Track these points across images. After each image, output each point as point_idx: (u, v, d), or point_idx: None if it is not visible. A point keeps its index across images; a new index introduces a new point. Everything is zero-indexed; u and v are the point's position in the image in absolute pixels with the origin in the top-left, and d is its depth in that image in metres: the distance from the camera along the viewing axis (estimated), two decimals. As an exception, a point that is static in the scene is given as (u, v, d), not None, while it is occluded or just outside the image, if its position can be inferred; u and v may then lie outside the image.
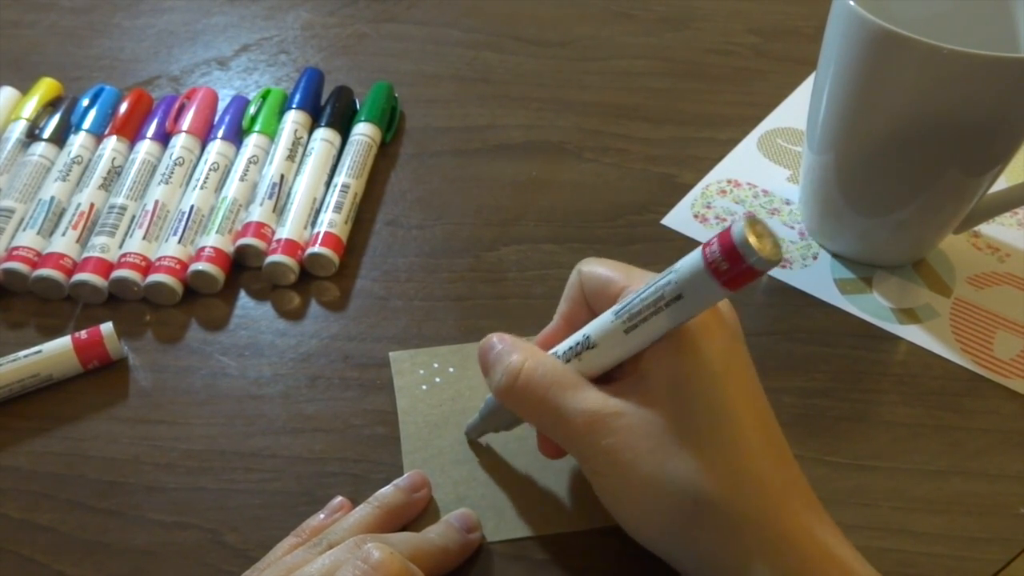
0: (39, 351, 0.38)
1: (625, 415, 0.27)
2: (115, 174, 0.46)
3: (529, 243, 0.45)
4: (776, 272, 0.43)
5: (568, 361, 0.30)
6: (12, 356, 0.37)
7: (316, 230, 0.43)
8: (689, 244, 0.45)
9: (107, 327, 0.39)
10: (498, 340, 0.31)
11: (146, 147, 0.47)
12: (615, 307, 0.28)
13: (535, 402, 0.29)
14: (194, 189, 0.45)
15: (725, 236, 0.24)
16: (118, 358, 0.39)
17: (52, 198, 0.44)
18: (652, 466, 0.27)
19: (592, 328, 0.29)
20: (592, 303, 0.31)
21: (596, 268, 0.31)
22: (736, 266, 0.24)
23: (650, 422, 0.27)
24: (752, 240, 0.23)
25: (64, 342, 0.38)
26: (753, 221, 0.24)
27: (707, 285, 0.25)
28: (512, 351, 0.30)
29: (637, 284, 0.28)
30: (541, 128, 0.52)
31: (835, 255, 0.44)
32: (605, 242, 0.45)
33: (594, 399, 0.28)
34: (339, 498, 0.33)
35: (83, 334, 0.38)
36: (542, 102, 0.54)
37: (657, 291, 0.27)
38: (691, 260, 0.26)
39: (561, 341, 0.30)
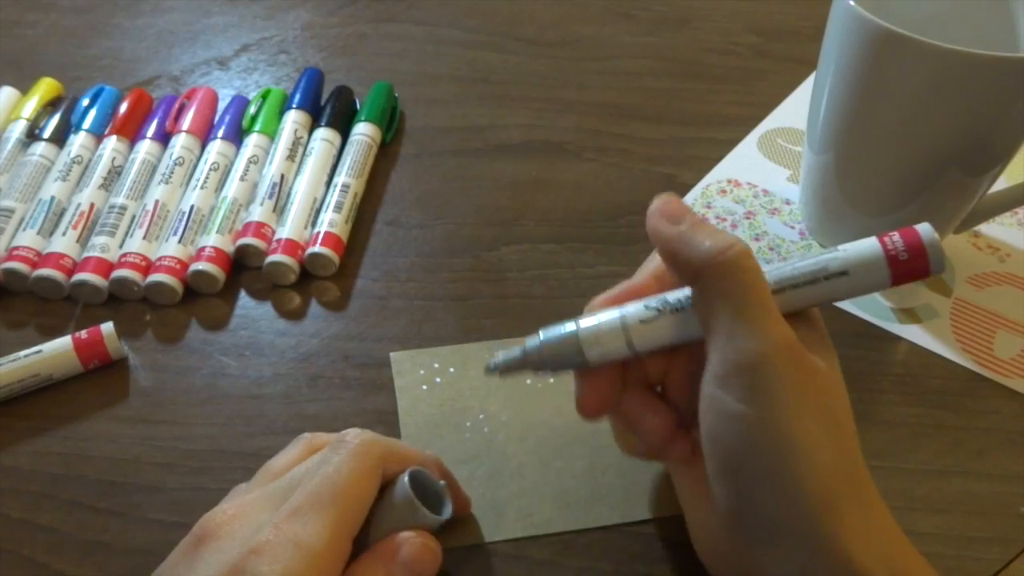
0: (39, 351, 0.38)
1: (822, 371, 0.26)
2: (115, 174, 0.46)
3: (529, 243, 0.45)
4: (776, 272, 0.43)
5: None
6: (12, 356, 0.37)
7: (316, 230, 0.43)
8: (689, 244, 0.45)
9: (107, 327, 0.39)
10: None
11: (146, 147, 0.47)
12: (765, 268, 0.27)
13: (741, 286, 0.25)
14: (194, 189, 0.45)
15: (911, 233, 0.26)
16: (118, 358, 0.39)
17: (52, 198, 0.44)
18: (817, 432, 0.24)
19: None
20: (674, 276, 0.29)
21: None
22: (916, 261, 0.26)
23: (837, 392, 0.26)
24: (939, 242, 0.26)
25: (64, 342, 0.38)
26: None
27: (877, 271, 0.26)
28: (731, 234, 0.26)
29: None
30: (541, 128, 0.52)
31: (835, 255, 0.44)
32: (605, 242, 0.45)
33: (789, 330, 0.25)
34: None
35: (83, 334, 0.38)
36: (542, 102, 0.54)
37: (819, 264, 0.26)
38: (865, 244, 0.26)
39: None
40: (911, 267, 0.26)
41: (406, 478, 0.29)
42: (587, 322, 0.29)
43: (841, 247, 0.27)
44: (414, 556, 0.27)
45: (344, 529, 0.26)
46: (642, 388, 0.30)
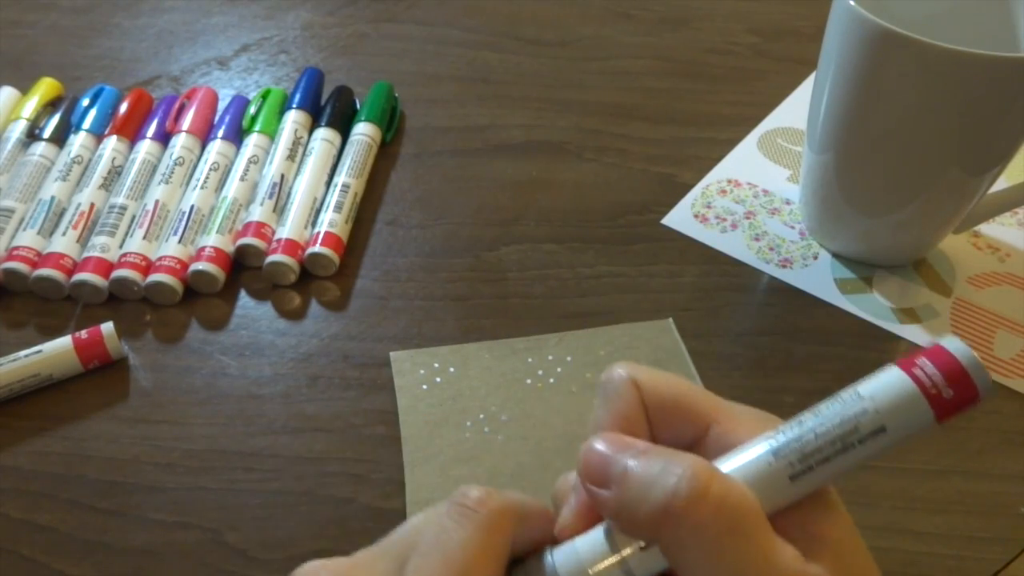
0: (39, 351, 0.38)
1: None
2: (115, 174, 0.46)
3: (529, 243, 0.45)
4: (776, 272, 0.43)
5: None
6: (12, 356, 0.37)
7: (316, 230, 0.43)
8: (689, 244, 0.45)
9: (107, 327, 0.39)
10: (633, 442, 0.21)
11: (146, 147, 0.47)
12: (768, 445, 0.21)
13: (719, 535, 0.19)
14: (194, 189, 0.45)
15: (943, 356, 0.20)
16: (118, 358, 0.39)
17: (52, 198, 0.44)
18: None
19: (742, 479, 0.21)
20: (660, 429, 0.23)
21: (667, 389, 0.23)
22: (962, 393, 0.20)
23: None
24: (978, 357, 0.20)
25: (64, 342, 0.38)
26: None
27: (918, 416, 0.20)
28: (676, 457, 0.20)
29: (737, 426, 0.22)
30: (541, 128, 0.52)
31: (835, 255, 0.44)
32: (605, 242, 0.45)
33: (792, 556, 0.20)
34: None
35: (83, 334, 0.38)
36: (542, 102, 0.54)
37: (847, 422, 0.21)
38: (893, 384, 0.21)
39: None
40: (957, 401, 0.20)
41: (552, 559, 0.22)
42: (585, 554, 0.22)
43: (861, 389, 0.21)
44: None
45: None
46: None
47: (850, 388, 0.21)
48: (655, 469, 0.20)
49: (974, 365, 0.20)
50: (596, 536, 0.21)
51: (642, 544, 0.21)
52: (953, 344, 0.20)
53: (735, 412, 0.22)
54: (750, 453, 0.21)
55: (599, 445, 0.21)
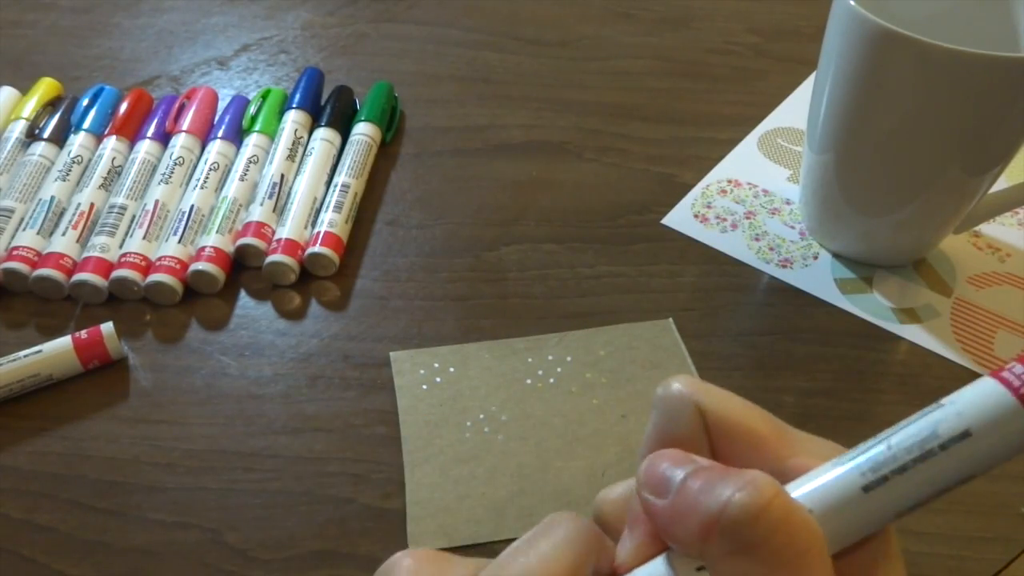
0: (39, 351, 0.38)
1: None
2: (115, 174, 0.46)
3: (529, 243, 0.45)
4: (776, 272, 0.43)
5: None
6: (12, 356, 0.37)
7: (316, 230, 0.43)
8: (690, 244, 0.45)
9: (107, 327, 0.39)
10: (699, 459, 0.19)
11: (146, 147, 0.47)
12: (842, 456, 0.19)
13: (772, 560, 0.17)
14: (194, 189, 0.45)
15: None
16: (118, 358, 0.39)
17: (52, 198, 0.44)
18: None
19: (809, 489, 0.19)
20: (723, 454, 0.20)
21: (734, 414, 0.20)
22: None
23: None
24: None
25: (64, 342, 0.38)
26: None
27: (1009, 416, 0.18)
28: (742, 471, 0.18)
29: (804, 455, 0.20)
30: (541, 128, 0.52)
31: (835, 255, 0.44)
32: (605, 242, 0.45)
33: None
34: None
35: (83, 334, 0.38)
36: (542, 102, 0.54)
37: (923, 429, 0.19)
38: (979, 389, 0.19)
39: None
40: None
41: None
42: None
43: (945, 400, 0.19)
44: None
45: None
46: None
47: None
48: (715, 478, 0.18)
49: None
50: (655, 567, 0.19)
51: (697, 566, 0.19)
52: None
53: (812, 445, 0.20)
54: (820, 470, 0.19)
55: (664, 458, 0.19)
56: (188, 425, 0.37)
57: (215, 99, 0.51)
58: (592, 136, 0.52)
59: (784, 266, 0.44)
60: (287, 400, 0.38)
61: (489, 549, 0.32)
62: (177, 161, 0.46)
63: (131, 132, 0.49)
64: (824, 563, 0.17)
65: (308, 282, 0.43)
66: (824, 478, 0.19)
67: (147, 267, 0.42)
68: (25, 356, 0.37)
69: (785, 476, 0.19)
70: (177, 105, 0.50)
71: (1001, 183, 0.41)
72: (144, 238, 0.43)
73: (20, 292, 0.42)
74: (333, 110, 0.50)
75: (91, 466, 0.35)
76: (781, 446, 0.20)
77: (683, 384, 0.20)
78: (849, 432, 0.36)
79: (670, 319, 0.41)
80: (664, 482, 0.19)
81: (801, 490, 0.18)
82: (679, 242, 0.45)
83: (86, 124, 0.48)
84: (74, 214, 0.44)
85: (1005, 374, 0.18)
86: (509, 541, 0.33)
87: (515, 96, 0.55)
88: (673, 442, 0.20)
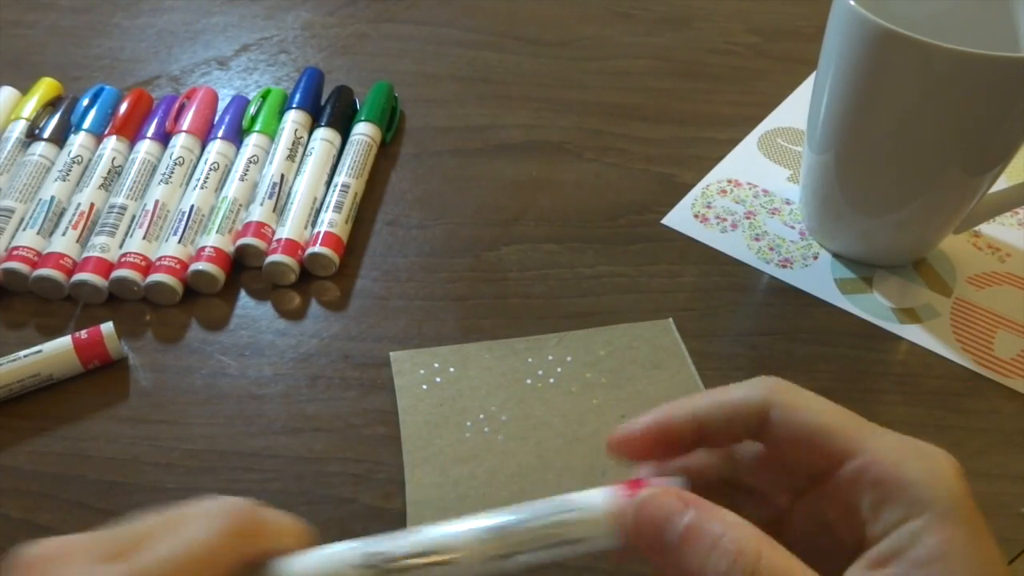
0: (39, 351, 0.38)
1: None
2: (115, 174, 0.46)
3: (529, 243, 0.45)
4: (776, 272, 0.43)
5: None
6: (12, 356, 0.37)
7: (316, 230, 0.43)
8: (690, 244, 0.45)
9: (107, 327, 0.39)
10: (685, 503, 0.21)
11: (146, 147, 0.47)
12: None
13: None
14: (194, 189, 0.45)
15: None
16: (118, 358, 0.39)
17: (52, 198, 0.44)
18: None
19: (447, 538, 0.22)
20: (789, 457, 0.22)
21: (805, 418, 0.22)
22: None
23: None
24: None
25: (64, 342, 0.38)
26: None
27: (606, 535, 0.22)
28: (728, 523, 0.20)
29: (884, 458, 0.21)
30: (541, 128, 0.52)
31: (835, 255, 0.44)
32: (605, 242, 0.45)
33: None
34: None
35: (83, 334, 0.38)
36: (542, 102, 0.54)
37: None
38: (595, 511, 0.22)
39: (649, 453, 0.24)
40: None
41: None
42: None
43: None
44: None
45: None
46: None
47: None
48: (715, 545, 0.19)
49: None
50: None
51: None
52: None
53: (885, 443, 0.21)
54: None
55: (670, 505, 0.21)
56: (188, 425, 0.37)
57: (215, 99, 0.51)
58: (592, 136, 0.52)
59: (784, 266, 0.44)
60: (287, 400, 0.38)
61: (489, 549, 0.32)
62: (177, 161, 0.46)
63: (131, 132, 0.49)
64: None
65: (308, 282, 0.43)
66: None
67: (147, 267, 0.42)
68: (25, 356, 0.37)
69: (854, 476, 0.21)
70: (177, 105, 0.50)
71: (1001, 183, 0.41)
72: (144, 238, 0.43)
73: (20, 292, 0.42)
74: (333, 110, 0.50)
75: (91, 466, 0.35)
76: (853, 448, 0.21)
77: (763, 388, 0.22)
78: (849, 432, 0.36)
79: (670, 319, 0.41)
80: (659, 535, 0.21)
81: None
82: (679, 242, 0.45)
83: (86, 124, 0.48)
84: (74, 214, 0.44)
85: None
86: (509, 541, 0.33)
87: (515, 96, 0.55)
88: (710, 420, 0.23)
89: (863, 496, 0.21)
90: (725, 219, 0.46)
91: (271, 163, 0.46)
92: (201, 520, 0.22)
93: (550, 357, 0.39)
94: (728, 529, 0.19)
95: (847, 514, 0.21)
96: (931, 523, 0.19)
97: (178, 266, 0.42)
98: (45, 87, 0.51)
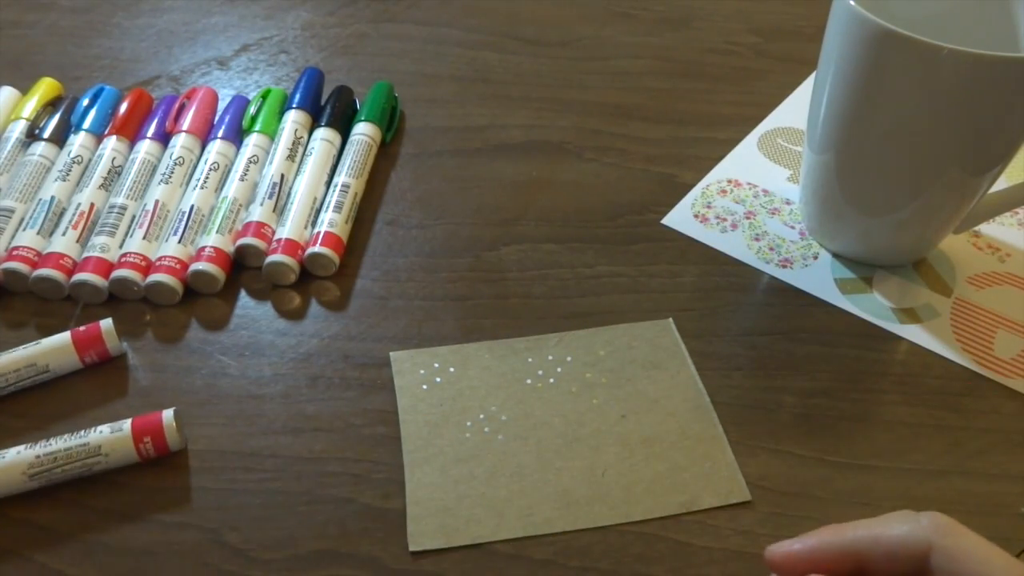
0: (37, 343, 0.38)
1: None
2: (115, 174, 0.46)
3: (529, 243, 0.45)
4: (776, 272, 0.43)
5: None
6: (10, 349, 0.37)
7: (316, 230, 0.43)
8: (690, 244, 0.45)
9: (106, 323, 0.39)
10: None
11: (146, 147, 0.47)
12: None
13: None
14: (194, 189, 0.45)
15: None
16: (117, 354, 0.39)
17: (52, 198, 0.44)
18: None
19: None
20: None
21: (972, 560, 0.22)
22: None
23: None
24: None
25: (62, 336, 0.38)
26: None
27: None
28: None
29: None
30: (541, 128, 0.52)
31: (835, 255, 0.44)
32: (605, 242, 0.45)
33: None
34: None
35: (82, 328, 0.38)
36: (542, 102, 0.54)
37: None
38: None
39: None
40: None
41: None
42: None
43: None
44: None
45: None
46: None
47: None
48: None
49: None
50: None
51: None
52: None
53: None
54: None
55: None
56: (188, 425, 0.37)
57: (215, 99, 0.51)
58: (592, 136, 0.52)
59: (784, 266, 0.44)
60: (287, 400, 0.38)
61: (489, 549, 0.32)
62: (177, 161, 0.46)
63: (131, 132, 0.49)
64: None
65: (308, 282, 0.43)
66: None
67: (147, 267, 0.42)
68: (24, 348, 0.37)
69: None
70: (177, 105, 0.50)
71: (1001, 183, 0.41)
72: (144, 238, 0.43)
73: (20, 292, 0.42)
74: (333, 110, 0.50)
75: (91, 466, 0.35)
76: None
77: (930, 527, 0.22)
78: (849, 432, 0.36)
79: (670, 319, 0.41)
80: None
81: None
82: (679, 242, 0.45)
83: (86, 124, 0.48)
84: (74, 214, 0.44)
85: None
86: (509, 541, 0.33)
87: (515, 96, 0.55)
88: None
89: None
90: (725, 219, 0.46)
91: (271, 163, 0.46)
92: None
93: (550, 357, 0.39)
94: None
95: None
96: None
97: (178, 266, 0.42)
98: (45, 87, 0.51)
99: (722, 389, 0.38)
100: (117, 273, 0.41)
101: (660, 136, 0.52)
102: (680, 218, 0.46)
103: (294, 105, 0.50)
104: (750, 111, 0.53)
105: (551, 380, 0.38)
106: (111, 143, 0.47)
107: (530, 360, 0.39)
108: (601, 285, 0.43)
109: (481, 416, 0.37)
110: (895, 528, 0.23)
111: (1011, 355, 0.39)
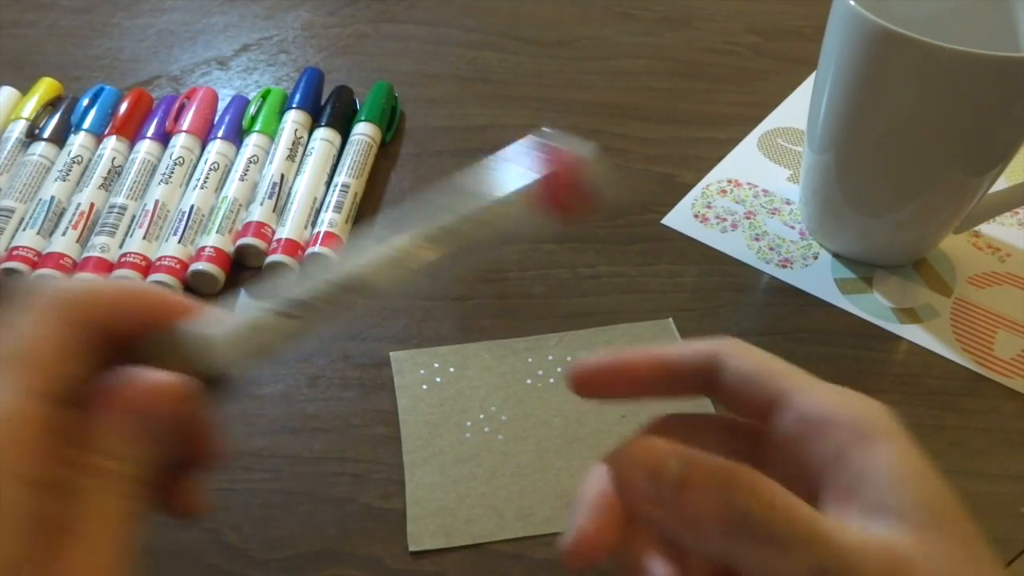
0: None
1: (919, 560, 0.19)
2: (115, 174, 0.46)
3: (529, 243, 0.45)
4: (776, 272, 0.43)
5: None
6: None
7: (316, 230, 0.43)
8: (690, 244, 0.45)
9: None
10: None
11: (146, 147, 0.47)
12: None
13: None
14: (194, 189, 0.45)
15: None
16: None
17: (52, 198, 0.44)
18: None
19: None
20: (733, 403, 0.24)
21: (746, 367, 0.25)
22: None
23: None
24: None
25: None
26: None
27: None
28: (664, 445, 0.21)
29: (809, 399, 0.24)
30: (541, 128, 0.52)
31: (835, 255, 0.44)
32: (605, 242, 0.45)
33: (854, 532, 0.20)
34: None
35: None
36: (542, 102, 0.54)
37: None
38: None
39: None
40: None
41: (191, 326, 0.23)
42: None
43: None
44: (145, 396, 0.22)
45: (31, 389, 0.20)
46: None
47: None
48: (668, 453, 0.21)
49: None
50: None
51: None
52: None
53: (820, 387, 0.24)
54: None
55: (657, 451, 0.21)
56: (188, 425, 0.37)
57: (215, 99, 0.51)
58: (592, 136, 0.51)
59: (784, 266, 0.44)
60: (287, 400, 0.38)
61: (489, 549, 0.32)
62: (177, 161, 0.46)
63: (131, 132, 0.49)
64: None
65: (308, 282, 0.43)
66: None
67: (147, 267, 0.42)
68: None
69: (786, 418, 0.23)
70: (177, 105, 0.50)
71: (1001, 183, 0.41)
72: (144, 238, 0.43)
73: (20, 292, 0.42)
74: (333, 110, 0.50)
75: (91, 466, 0.35)
76: (783, 395, 0.24)
77: (715, 345, 0.25)
78: (849, 432, 0.36)
79: (670, 319, 0.41)
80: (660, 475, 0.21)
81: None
82: (679, 242, 0.45)
83: (86, 124, 0.48)
84: (74, 214, 0.43)
85: None
86: (509, 541, 0.33)
87: (515, 96, 0.55)
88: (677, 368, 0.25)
89: (805, 439, 0.23)
90: (725, 219, 0.46)
91: (271, 163, 0.46)
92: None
93: (550, 357, 0.39)
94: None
95: (795, 465, 0.23)
96: (876, 445, 0.22)
97: (178, 266, 0.42)
98: (45, 87, 0.51)
99: (722, 389, 0.38)
100: (117, 273, 0.41)
101: (660, 136, 0.52)
102: (680, 218, 0.46)
103: (294, 105, 0.50)
104: (750, 111, 0.53)
105: (551, 380, 0.38)
106: (111, 143, 0.47)
107: (530, 360, 0.39)
108: (601, 285, 0.43)
109: (481, 416, 0.37)
110: (690, 344, 0.25)
111: (1011, 355, 0.39)
